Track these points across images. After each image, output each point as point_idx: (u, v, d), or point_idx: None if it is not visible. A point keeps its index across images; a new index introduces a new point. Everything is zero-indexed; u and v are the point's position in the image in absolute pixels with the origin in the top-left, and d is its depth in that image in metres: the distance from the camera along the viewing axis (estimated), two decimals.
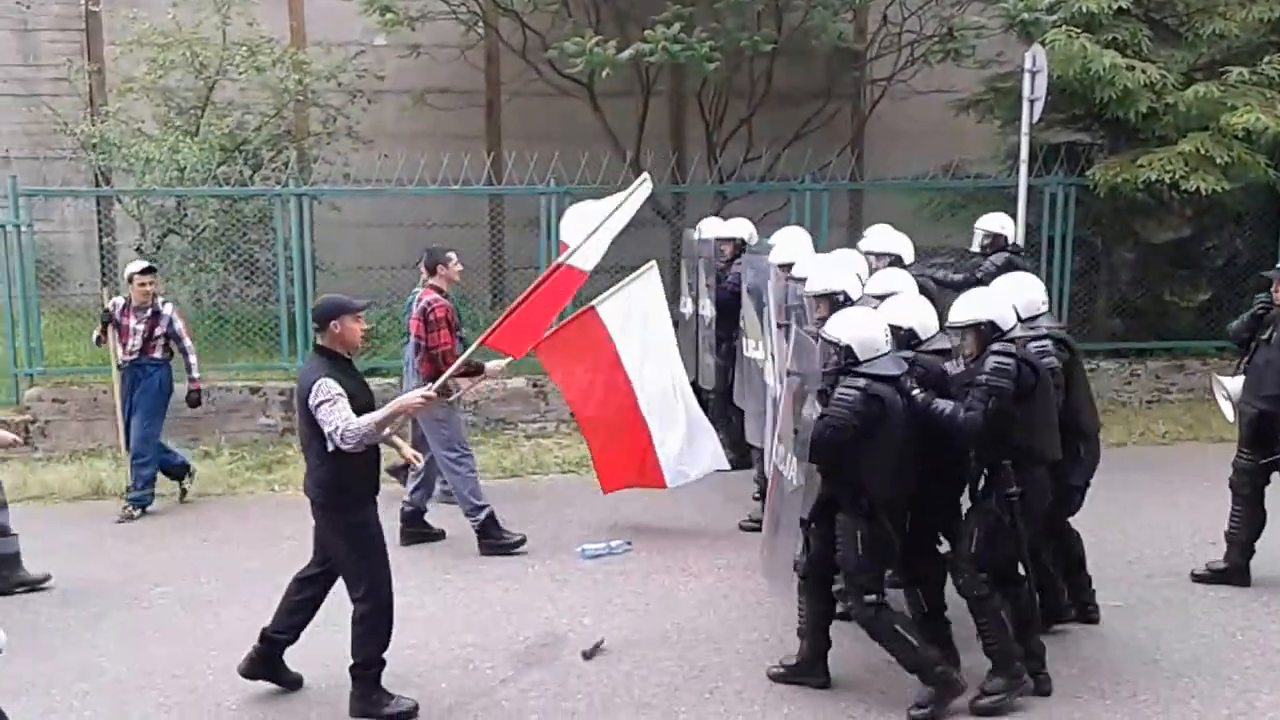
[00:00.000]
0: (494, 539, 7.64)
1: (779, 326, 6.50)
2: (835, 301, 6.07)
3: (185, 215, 11.40)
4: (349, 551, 5.44)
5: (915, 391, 5.41)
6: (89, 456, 9.79)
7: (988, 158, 12.17)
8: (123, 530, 8.33)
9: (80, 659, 6.19)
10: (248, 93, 12.03)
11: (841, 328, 5.49)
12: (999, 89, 11.71)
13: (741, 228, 8.69)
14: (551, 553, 7.63)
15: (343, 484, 5.37)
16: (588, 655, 6.19)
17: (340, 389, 5.22)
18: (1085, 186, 11.09)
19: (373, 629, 5.47)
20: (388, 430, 5.45)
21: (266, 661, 5.72)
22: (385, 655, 5.55)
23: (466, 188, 10.98)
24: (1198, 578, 7.00)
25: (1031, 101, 10.13)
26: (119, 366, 8.57)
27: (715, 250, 8.54)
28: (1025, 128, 10.29)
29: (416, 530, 7.82)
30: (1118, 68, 10.33)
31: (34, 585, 7.09)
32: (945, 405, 5.38)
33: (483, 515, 7.62)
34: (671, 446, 7.98)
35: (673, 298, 8.79)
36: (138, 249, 11.43)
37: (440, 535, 7.91)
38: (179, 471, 8.89)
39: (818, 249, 7.53)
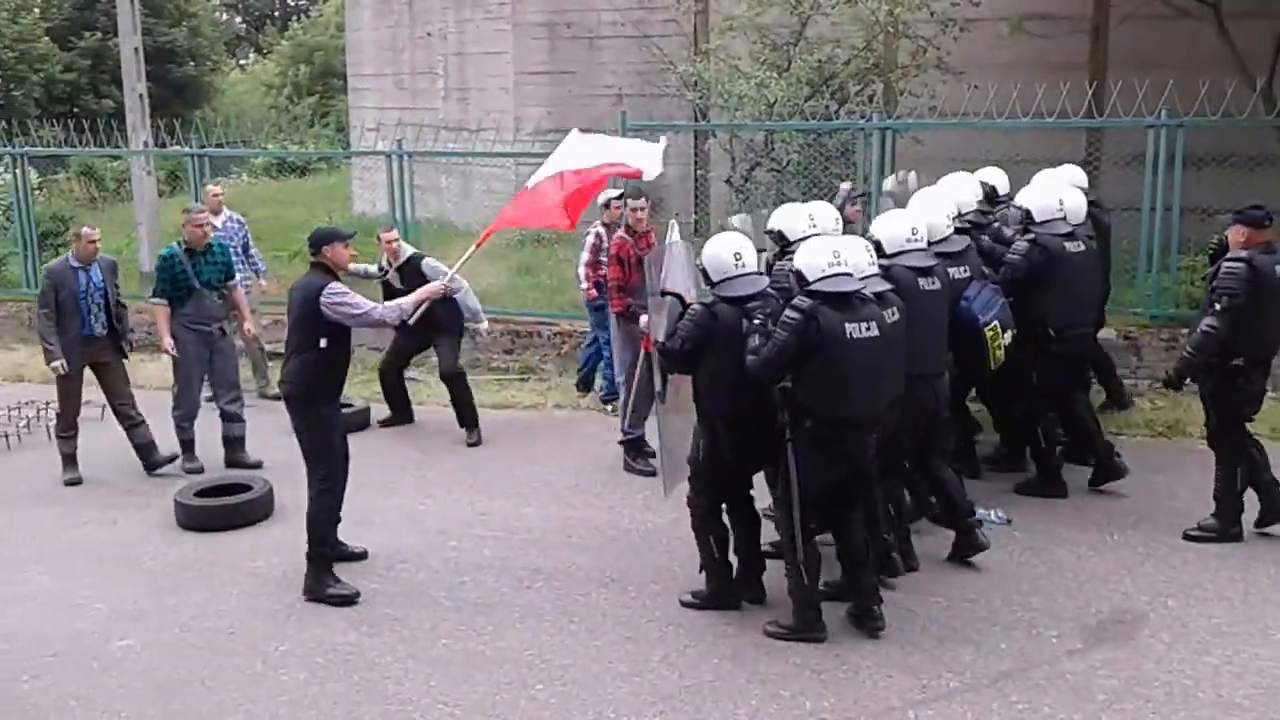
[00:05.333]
0: (632, 458, 7.97)
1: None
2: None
3: (772, 149, 11.68)
4: (311, 442, 6.10)
5: (758, 320, 5.46)
6: None
7: None
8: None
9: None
10: (839, 26, 12.00)
11: (704, 251, 5.73)
12: None
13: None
14: (1136, 524, 6.88)
15: (316, 381, 6.06)
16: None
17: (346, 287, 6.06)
18: None
19: (318, 515, 6.10)
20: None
21: None
22: (333, 542, 6.25)
23: (1062, 120, 10.12)
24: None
25: None
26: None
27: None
28: None
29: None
30: None
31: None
32: (753, 343, 5.41)
33: (632, 436, 7.94)
34: None
35: None
36: (727, 181, 11.94)
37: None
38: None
39: None
